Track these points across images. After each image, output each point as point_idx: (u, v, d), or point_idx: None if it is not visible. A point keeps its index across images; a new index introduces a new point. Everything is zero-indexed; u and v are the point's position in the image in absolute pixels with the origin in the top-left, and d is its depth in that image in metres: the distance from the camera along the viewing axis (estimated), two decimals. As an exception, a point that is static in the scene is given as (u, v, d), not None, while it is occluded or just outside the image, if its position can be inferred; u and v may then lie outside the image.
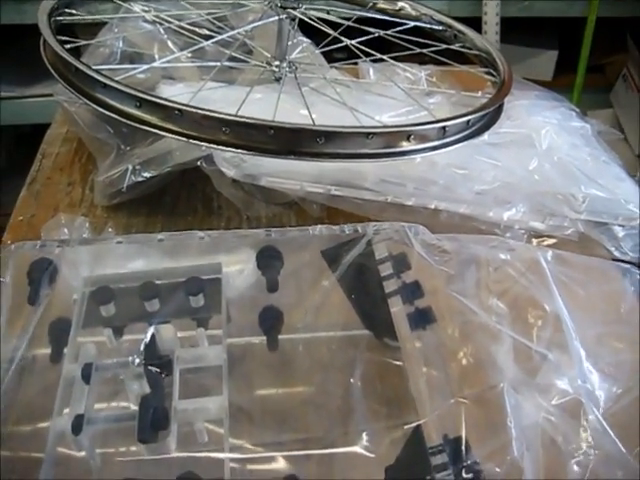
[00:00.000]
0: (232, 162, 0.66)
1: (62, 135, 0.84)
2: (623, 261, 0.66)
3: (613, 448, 0.47)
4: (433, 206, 0.69)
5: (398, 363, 0.53)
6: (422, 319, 0.54)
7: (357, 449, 0.47)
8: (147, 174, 0.69)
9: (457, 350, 0.52)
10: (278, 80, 0.77)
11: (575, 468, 0.47)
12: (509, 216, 0.70)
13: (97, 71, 0.63)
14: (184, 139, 0.60)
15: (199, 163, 0.67)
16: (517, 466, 0.45)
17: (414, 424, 0.47)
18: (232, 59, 0.77)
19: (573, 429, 0.48)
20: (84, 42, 0.77)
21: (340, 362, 0.55)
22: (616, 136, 0.91)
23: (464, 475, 0.44)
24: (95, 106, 0.63)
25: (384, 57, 0.78)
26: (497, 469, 0.45)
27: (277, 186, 0.67)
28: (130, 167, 0.70)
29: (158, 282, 0.55)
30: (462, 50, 0.85)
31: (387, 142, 0.62)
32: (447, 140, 0.65)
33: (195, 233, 0.58)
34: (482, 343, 0.52)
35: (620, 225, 0.72)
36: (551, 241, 0.69)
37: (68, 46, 0.67)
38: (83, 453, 0.46)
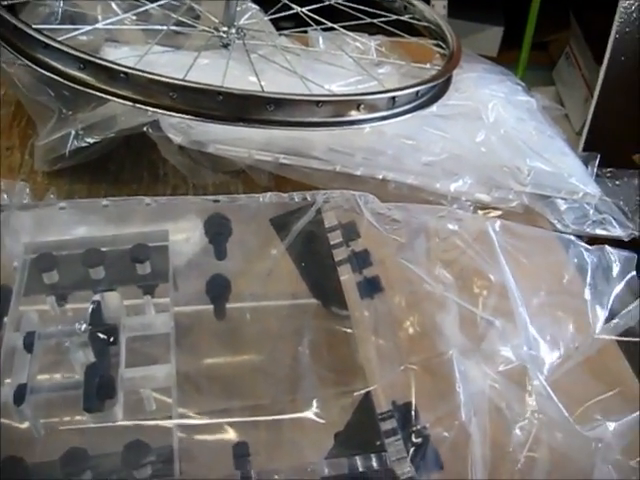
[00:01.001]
0: (179, 128, 0.65)
1: (-1, 97, 0.81)
2: (565, 233, 0.68)
3: (556, 412, 0.48)
4: (381, 176, 0.70)
5: (346, 332, 0.53)
6: (370, 288, 0.54)
7: (306, 415, 0.47)
8: (90, 139, 0.67)
9: (405, 319, 0.53)
10: (226, 46, 0.75)
11: (519, 433, 0.48)
12: (456, 187, 0.70)
13: (38, 30, 0.60)
14: (130, 103, 0.58)
15: (145, 129, 0.66)
16: (465, 430, 0.46)
17: (363, 391, 0.47)
18: (179, 24, 0.75)
19: (518, 395, 0.49)
20: None
21: (288, 331, 0.55)
22: (559, 112, 0.93)
23: (413, 440, 0.44)
24: (36, 67, 0.61)
25: (334, 26, 0.78)
26: (445, 433, 0.45)
27: (225, 153, 0.66)
28: (73, 132, 0.67)
29: (103, 249, 0.54)
30: (411, 21, 0.85)
31: (337, 111, 0.61)
32: (396, 110, 0.65)
33: (141, 199, 0.57)
34: (429, 312, 0.52)
35: (563, 198, 0.74)
36: (496, 213, 0.70)
37: (5, 3, 0.64)
38: (26, 424, 0.45)
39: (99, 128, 0.68)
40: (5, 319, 0.49)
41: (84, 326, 0.49)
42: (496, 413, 0.48)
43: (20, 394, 0.45)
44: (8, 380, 0.46)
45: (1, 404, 0.45)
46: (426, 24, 0.85)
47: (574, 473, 0.47)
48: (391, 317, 0.53)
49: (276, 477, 0.42)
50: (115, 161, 0.72)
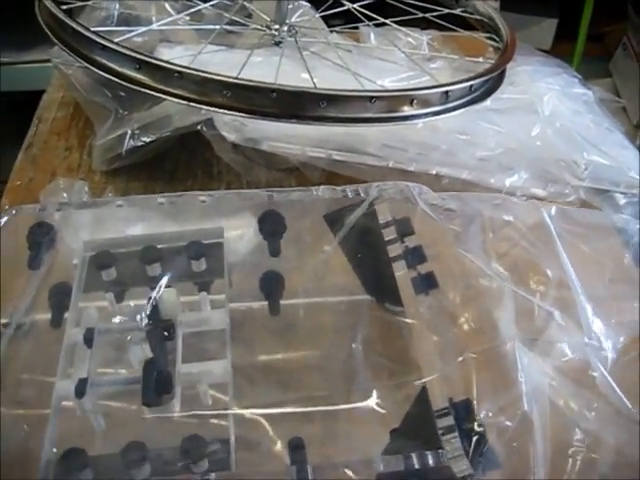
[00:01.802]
0: (233, 126, 0.65)
1: (58, 99, 0.83)
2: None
3: (619, 403, 0.47)
4: (435, 172, 0.69)
5: (401, 328, 0.52)
6: (425, 284, 0.54)
7: (362, 407, 0.47)
8: (146, 138, 0.68)
9: (460, 314, 0.52)
10: (278, 44, 0.75)
11: (578, 430, 0.47)
12: (511, 182, 0.69)
13: (95, 32, 0.61)
14: (184, 102, 0.59)
15: (199, 127, 0.67)
16: (528, 420, 0.45)
17: (420, 382, 0.47)
18: (231, 23, 0.76)
19: (578, 391, 0.48)
20: (80, 3, 0.75)
21: (342, 327, 0.55)
22: (617, 104, 0.91)
23: (471, 438, 0.43)
24: (93, 68, 0.62)
25: (386, 21, 0.77)
26: (508, 423, 0.45)
27: (278, 150, 0.67)
28: (129, 131, 0.69)
29: (160, 246, 0.54)
30: (464, 15, 0.84)
31: (390, 106, 0.61)
32: (450, 105, 0.65)
33: (196, 195, 0.57)
34: (486, 306, 0.52)
35: (621, 192, 0.72)
36: (551, 205, 0.68)
37: (63, 7, 0.65)
38: (87, 417, 0.46)
39: (154, 127, 0.69)
40: (65, 315, 0.51)
41: (142, 322, 0.50)
42: (555, 409, 0.47)
43: (81, 388, 0.46)
44: (69, 375, 0.47)
45: (63, 397, 0.46)
46: (479, 17, 0.83)
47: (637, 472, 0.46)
48: (446, 313, 0.52)
49: (331, 472, 0.42)
50: (170, 159, 0.73)
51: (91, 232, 0.56)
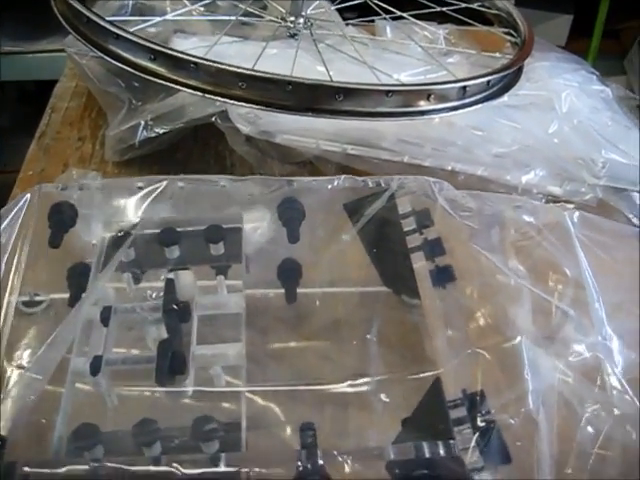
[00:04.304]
0: (247, 118, 0.65)
1: (71, 89, 0.83)
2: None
3: (631, 408, 0.46)
4: (450, 167, 0.68)
5: (416, 320, 0.52)
6: (442, 277, 0.53)
7: (373, 396, 0.47)
8: (160, 130, 0.68)
9: (476, 309, 0.52)
10: (293, 36, 0.75)
11: (590, 429, 0.46)
12: (527, 180, 0.69)
13: (110, 22, 0.61)
14: (199, 93, 0.58)
15: (213, 119, 0.66)
16: (532, 419, 0.44)
17: (432, 374, 0.46)
18: (246, 14, 0.75)
19: (590, 389, 0.47)
20: (95, -7, 0.75)
21: (356, 318, 0.55)
22: (635, 102, 0.89)
23: (482, 430, 0.43)
24: (108, 58, 0.62)
25: (404, 14, 0.76)
26: (511, 420, 0.44)
27: (293, 144, 0.66)
28: (142, 122, 0.68)
29: (178, 229, 0.54)
30: (481, 9, 0.83)
31: (406, 101, 0.60)
32: (467, 100, 0.64)
33: (217, 179, 0.57)
34: (501, 303, 0.51)
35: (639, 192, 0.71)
36: (569, 206, 0.67)
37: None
38: (100, 393, 0.46)
39: (168, 119, 0.68)
40: (83, 294, 0.51)
41: (158, 303, 0.50)
42: (566, 407, 0.47)
43: (96, 365, 0.46)
44: (85, 352, 0.48)
45: (78, 374, 0.46)
46: (496, 12, 0.82)
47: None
48: (462, 307, 0.52)
49: (341, 458, 0.41)
50: (183, 151, 0.73)
51: (111, 213, 0.56)
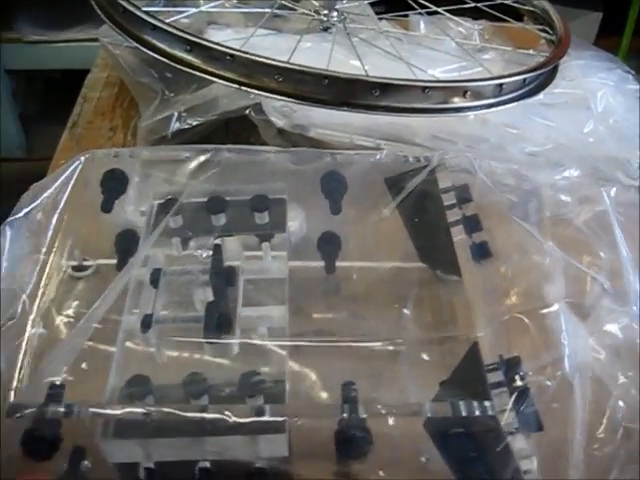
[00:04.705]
0: (282, 112, 0.64)
1: (103, 79, 0.83)
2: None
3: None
4: (483, 165, 0.68)
5: (451, 294, 0.53)
6: (479, 253, 0.53)
7: (411, 359, 0.48)
8: (193, 121, 0.68)
9: (513, 281, 0.52)
10: (326, 30, 0.74)
11: (620, 403, 0.46)
12: (560, 179, 0.68)
13: (147, 12, 0.61)
14: (235, 85, 0.58)
15: (247, 112, 0.66)
16: (568, 382, 0.45)
17: (470, 338, 0.47)
18: (280, 7, 0.75)
19: (622, 364, 0.47)
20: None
21: (393, 293, 0.55)
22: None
23: (517, 396, 0.43)
24: (143, 49, 0.62)
25: (439, 10, 0.76)
26: (548, 382, 0.44)
27: (325, 138, 0.66)
28: (175, 114, 0.68)
29: (225, 198, 0.56)
30: (515, 6, 0.82)
31: (443, 97, 0.60)
32: (503, 98, 0.63)
33: (262, 150, 0.58)
34: (538, 275, 0.51)
35: (674, 193, 0.70)
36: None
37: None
38: (151, 349, 0.48)
39: (201, 110, 0.68)
40: (130, 260, 0.52)
41: (205, 267, 0.52)
42: (597, 381, 0.47)
43: (146, 322, 0.48)
44: (136, 311, 0.49)
45: (130, 330, 0.48)
46: (531, 8, 0.82)
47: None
48: (498, 280, 0.52)
49: (382, 412, 0.42)
50: (214, 143, 0.73)
51: (160, 181, 0.57)
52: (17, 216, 0.53)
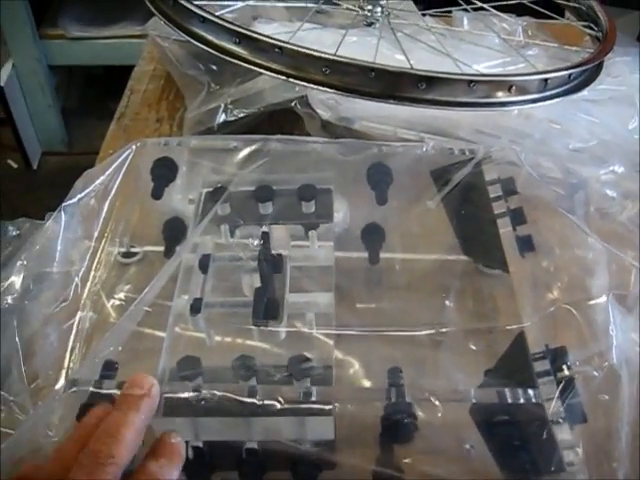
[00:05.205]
0: (327, 104, 0.65)
1: (149, 72, 0.85)
2: None
3: None
4: (526, 160, 0.68)
5: (494, 287, 0.54)
6: (523, 246, 0.53)
7: (456, 348, 0.48)
8: (239, 113, 0.69)
9: (559, 272, 0.52)
10: (370, 25, 0.75)
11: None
12: (604, 175, 0.68)
13: (197, 5, 0.62)
14: (283, 77, 0.59)
15: (293, 104, 0.67)
16: (615, 373, 0.44)
17: (516, 327, 0.47)
18: (325, 2, 0.76)
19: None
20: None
21: (436, 285, 0.56)
22: None
23: (563, 386, 0.43)
24: (193, 41, 0.63)
25: (484, 5, 0.76)
26: (595, 373, 0.44)
27: (370, 130, 0.66)
28: (222, 105, 0.69)
29: (273, 187, 0.56)
30: (560, 2, 0.82)
31: (488, 91, 0.60)
32: (548, 93, 0.63)
33: (309, 141, 0.59)
34: (584, 267, 0.51)
35: None
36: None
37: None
38: (200, 333, 0.49)
39: (247, 102, 0.69)
40: (179, 246, 0.54)
41: (254, 254, 0.52)
42: None
43: (196, 306, 0.49)
44: (185, 295, 0.50)
45: (180, 314, 0.49)
46: (576, 5, 0.81)
47: None
48: (542, 272, 0.52)
49: (428, 398, 0.42)
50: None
51: (208, 169, 0.58)
52: (71, 201, 0.55)
